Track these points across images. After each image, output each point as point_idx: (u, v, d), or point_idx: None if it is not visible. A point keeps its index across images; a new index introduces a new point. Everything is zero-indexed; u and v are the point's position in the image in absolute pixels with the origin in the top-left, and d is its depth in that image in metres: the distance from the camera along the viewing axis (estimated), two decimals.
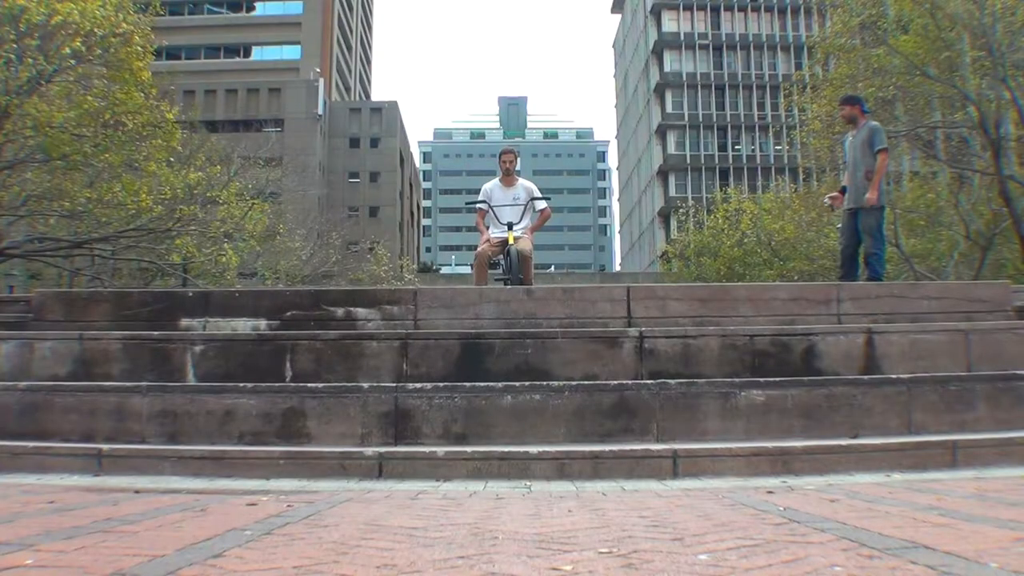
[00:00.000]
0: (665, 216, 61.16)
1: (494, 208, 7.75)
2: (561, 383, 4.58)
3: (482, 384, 4.57)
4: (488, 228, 7.89)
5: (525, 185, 7.95)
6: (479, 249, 7.75)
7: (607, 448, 4.07)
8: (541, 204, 7.90)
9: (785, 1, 63.03)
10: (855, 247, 7.20)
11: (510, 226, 7.62)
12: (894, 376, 4.75)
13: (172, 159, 19.98)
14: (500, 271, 7.84)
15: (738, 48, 63.74)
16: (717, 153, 62.74)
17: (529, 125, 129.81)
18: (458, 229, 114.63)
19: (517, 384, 4.54)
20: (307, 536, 2.34)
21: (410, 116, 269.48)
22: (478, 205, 7.87)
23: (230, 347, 5.10)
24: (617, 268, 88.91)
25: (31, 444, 4.30)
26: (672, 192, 62.25)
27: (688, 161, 62.72)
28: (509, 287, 6.84)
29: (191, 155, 22.18)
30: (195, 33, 62.01)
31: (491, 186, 7.95)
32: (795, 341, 5.06)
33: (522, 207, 7.74)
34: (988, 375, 4.79)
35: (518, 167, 8.12)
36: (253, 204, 23.21)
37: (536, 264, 8.38)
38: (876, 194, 6.93)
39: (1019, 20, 17.55)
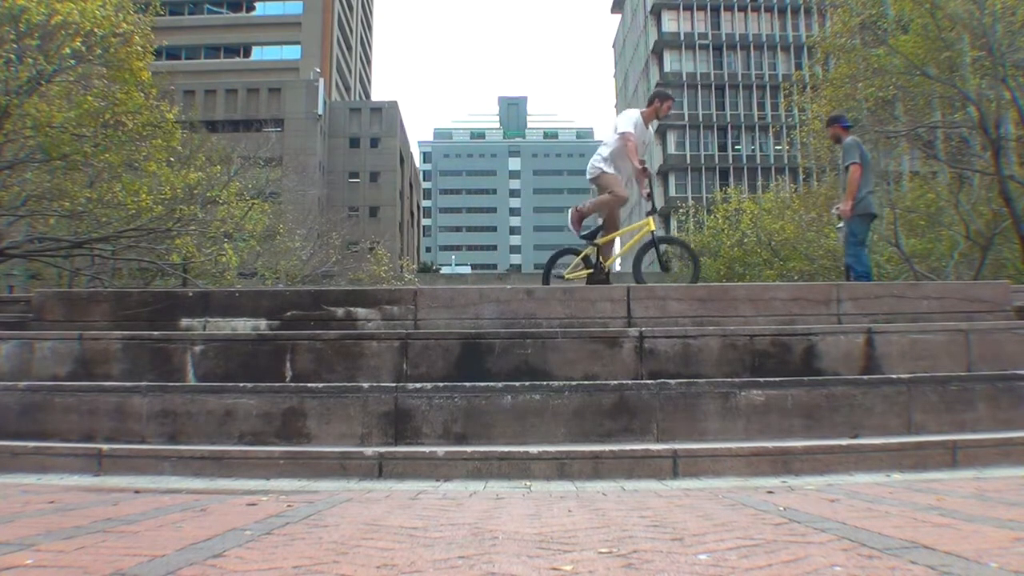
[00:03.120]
0: (665, 216, 61.16)
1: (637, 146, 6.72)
2: (561, 383, 4.58)
3: (482, 384, 4.57)
4: (619, 175, 6.87)
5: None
6: (622, 194, 6.80)
7: (607, 448, 4.07)
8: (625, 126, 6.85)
9: (785, 1, 63.05)
10: None
11: (653, 208, 6.84)
12: (894, 376, 4.75)
13: (172, 159, 19.97)
14: (590, 267, 7.00)
15: (738, 48, 63.78)
16: (717, 153, 62.76)
17: (529, 125, 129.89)
18: (458, 229, 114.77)
19: (517, 384, 4.54)
20: (307, 536, 2.34)
21: (410, 116, 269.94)
22: (631, 131, 6.77)
23: (230, 347, 5.10)
24: (617, 268, 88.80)
25: (31, 444, 4.30)
26: (672, 192, 62.25)
27: (688, 161, 62.72)
28: (509, 287, 6.81)
29: (191, 155, 22.15)
30: (195, 33, 62.02)
31: (639, 119, 6.90)
32: (795, 341, 5.06)
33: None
34: (988, 375, 4.79)
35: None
36: (253, 204, 23.21)
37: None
38: (848, 207, 7.11)
39: (1019, 20, 17.53)
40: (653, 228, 6.87)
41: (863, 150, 7.31)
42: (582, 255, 7.16)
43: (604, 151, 6.98)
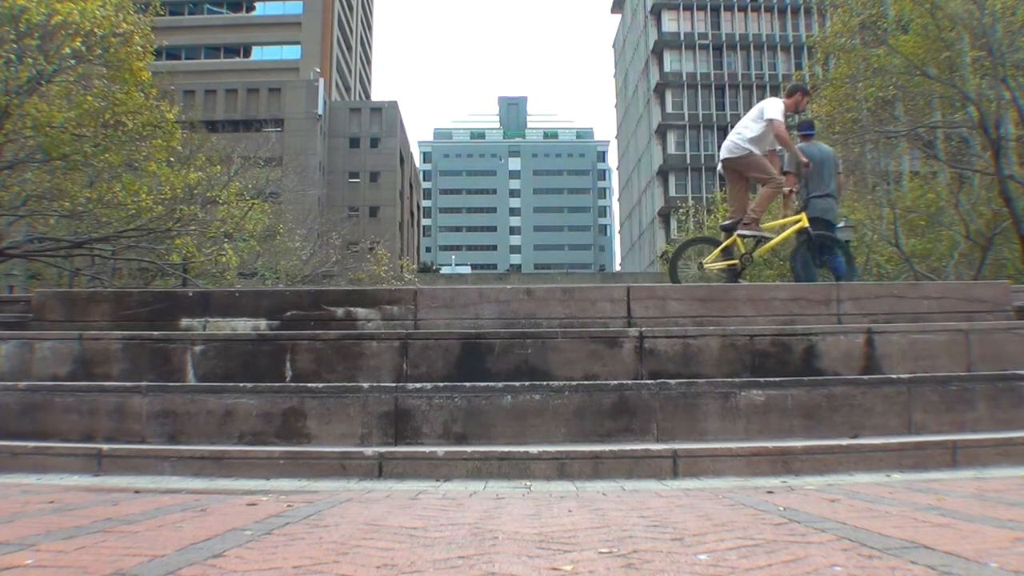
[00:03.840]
0: (665, 216, 61.18)
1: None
2: (561, 383, 4.58)
3: (482, 384, 4.57)
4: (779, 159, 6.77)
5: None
6: (778, 177, 6.61)
7: (607, 448, 4.07)
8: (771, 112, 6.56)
9: (785, 1, 63.08)
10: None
11: (806, 202, 6.72)
12: (894, 376, 4.75)
13: (172, 159, 19.95)
14: (732, 259, 6.78)
15: (738, 48, 63.82)
16: (717, 153, 62.75)
17: (529, 125, 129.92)
18: (458, 229, 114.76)
19: (517, 384, 4.54)
20: (307, 536, 2.34)
21: (410, 116, 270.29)
22: (781, 120, 6.53)
23: (230, 347, 5.10)
24: (617, 268, 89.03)
25: (31, 444, 4.30)
26: (672, 192, 62.30)
27: (688, 161, 62.76)
28: (509, 287, 6.80)
29: (191, 155, 22.14)
30: (195, 33, 62.07)
31: (784, 109, 6.64)
32: (795, 341, 5.06)
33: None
34: (988, 375, 4.79)
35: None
36: (253, 204, 23.20)
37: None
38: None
39: (1019, 20, 17.53)
40: (807, 224, 6.69)
41: (800, 157, 6.91)
42: (722, 246, 6.95)
43: (747, 133, 6.71)
